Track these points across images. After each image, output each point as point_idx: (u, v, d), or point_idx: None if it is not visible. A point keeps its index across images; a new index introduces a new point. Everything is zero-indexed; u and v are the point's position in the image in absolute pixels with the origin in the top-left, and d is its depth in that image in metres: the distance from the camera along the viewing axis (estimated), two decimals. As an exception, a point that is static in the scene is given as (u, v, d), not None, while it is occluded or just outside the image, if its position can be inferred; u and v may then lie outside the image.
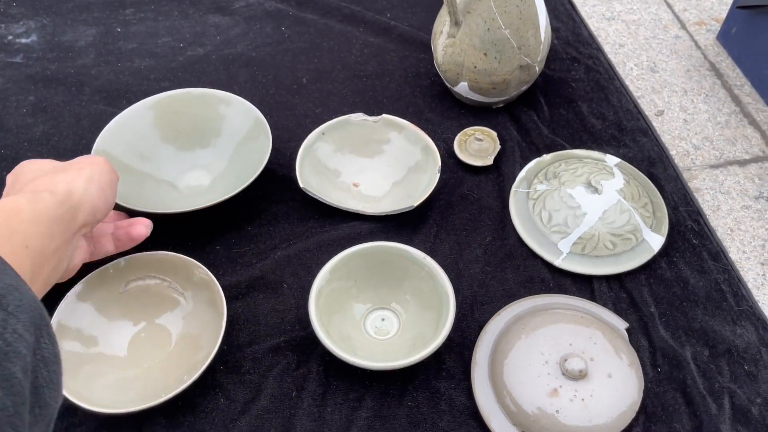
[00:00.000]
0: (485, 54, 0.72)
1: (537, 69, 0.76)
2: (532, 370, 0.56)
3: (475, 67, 0.73)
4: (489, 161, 0.74)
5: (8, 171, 0.67)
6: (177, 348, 0.58)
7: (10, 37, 0.88)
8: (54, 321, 0.56)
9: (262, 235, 0.68)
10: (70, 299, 0.57)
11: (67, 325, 0.56)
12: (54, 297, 0.57)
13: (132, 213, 0.63)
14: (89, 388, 0.53)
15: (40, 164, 0.53)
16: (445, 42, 0.75)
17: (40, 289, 0.45)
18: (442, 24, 0.76)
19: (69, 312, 0.57)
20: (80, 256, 0.54)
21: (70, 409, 0.53)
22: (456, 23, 0.72)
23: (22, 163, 0.54)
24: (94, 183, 0.51)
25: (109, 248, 0.59)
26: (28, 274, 0.42)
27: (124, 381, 0.56)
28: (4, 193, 0.53)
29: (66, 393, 0.51)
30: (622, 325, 0.61)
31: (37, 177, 0.51)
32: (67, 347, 0.56)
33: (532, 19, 0.72)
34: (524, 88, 0.78)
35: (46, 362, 0.33)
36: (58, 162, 0.54)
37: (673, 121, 0.80)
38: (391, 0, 0.96)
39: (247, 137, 0.71)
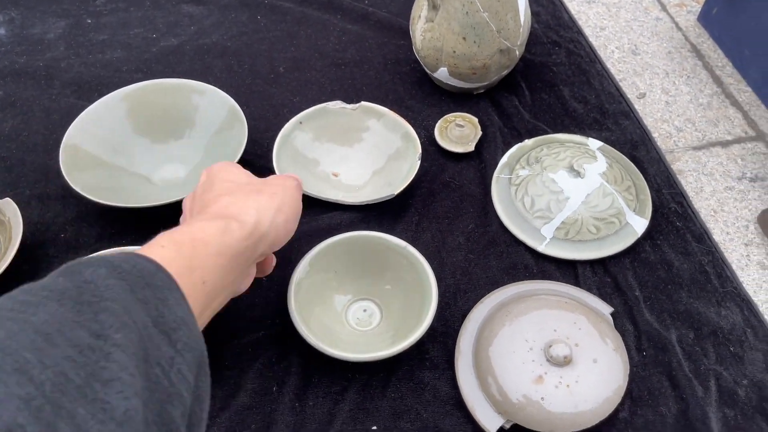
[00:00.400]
0: (464, 38, 0.71)
1: (517, 53, 0.75)
2: (516, 357, 0.55)
3: (455, 51, 0.72)
4: (470, 147, 0.73)
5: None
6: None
7: (-23, 31, 0.86)
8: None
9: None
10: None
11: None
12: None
13: (106, 208, 0.61)
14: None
15: (235, 174, 0.50)
16: (423, 27, 0.74)
17: (205, 321, 0.42)
18: (420, 8, 0.74)
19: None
20: (248, 282, 0.49)
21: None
22: (434, 7, 0.71)
23: (217, 166, 0.51)
24: (282, 214, 0.48)
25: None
26: (199, 308, 0.39)
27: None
28: (197, 193, 0.50)
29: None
30: (606, 309, 0.60)
31: (231, 192, 0.48)
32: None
33: (511, 2, 0.71)
34: (505, 72, 0.77)
35: (200, 401, 0.34)
36: (251, 175, 0.51)
37: (655, 103, 0.79)
38: (369, -14, 0.95)
39: (222, 128, 0.69)
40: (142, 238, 0.62)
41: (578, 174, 0.66)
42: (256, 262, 0.50)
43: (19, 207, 0.62)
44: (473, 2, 0.69)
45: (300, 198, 0.52)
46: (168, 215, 0.65)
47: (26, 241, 0.63)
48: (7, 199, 0.63)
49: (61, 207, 0.67)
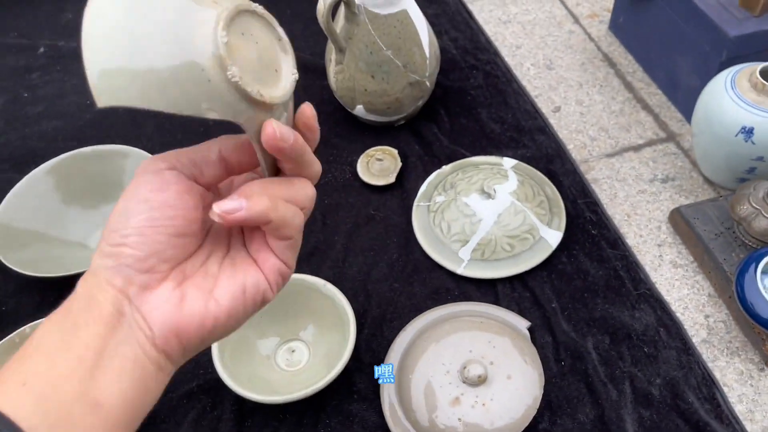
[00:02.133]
0: (372, 76, 0.74)
1: (428, 84, 0.78)
2: (435, 381, 0.58)
3: (366, 89, 0.75)
4: (391, 179, 0.75)
5: None
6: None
7: None
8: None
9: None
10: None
11: None
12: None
13: (45, 280, 0.64)
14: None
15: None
16: (335, 69, 0.77)
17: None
18: (330, 51, 0.77)
19: None
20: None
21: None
22: (340, 50, 0.74)
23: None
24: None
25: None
26: None
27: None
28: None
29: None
30: (523, 324, 0.63)
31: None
32: None
33: (412, 37, 0.74)
34: (420, 103, 0.80)
35: None
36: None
37: (570, 115, 0.82)
38: (293, 30, 0.98)
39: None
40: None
41: (489, 195, 0.69)
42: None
43: (-38, 285, 0.65)
44: (375, 42, 0.72)
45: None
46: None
47: (-31, 317, 0.66)
48: (-53, 281, 0.66)
49: (1, 281, 0.69)
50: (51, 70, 0.94)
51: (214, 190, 0.35)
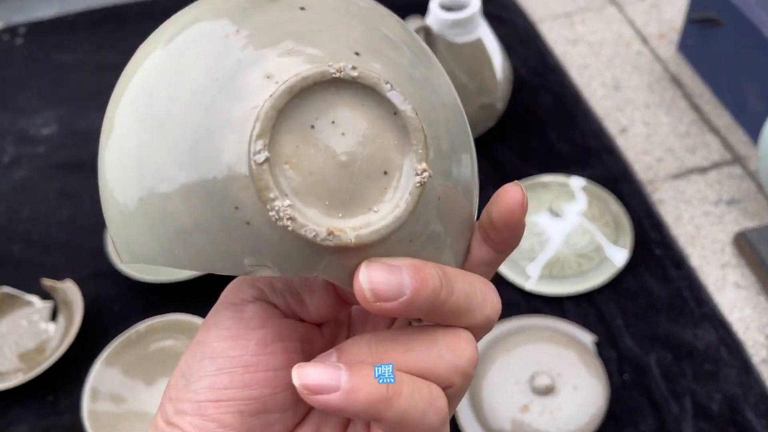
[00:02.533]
0: (448, 100, 0.79)
1: (499, 106, 0.82)
2: (505, 389, 0.63)
3: (441, 112, 0.80)
4: (463, 196, 0.80)
5: (47, 255, 0.77)
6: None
7: (33, 130, 0.99)
8: (87, 387, 0.65)
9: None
10: (99, 365, 0.66)
11: (99, 389, 0.65)
12: (85, 362, 0.66)
13: (148, 283, 0.72)
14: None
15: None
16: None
17: None
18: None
19: (99, 377, 0.66)
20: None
21: (107, 463, 0.62)
22: (418, 76, 0.80)
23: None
24: None
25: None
26: None
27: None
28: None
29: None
30: (589, 338, 0.67)
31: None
32: (101, 408, 0.65)
33: (486, 63, 0.78)
34: (491, 123, 0.85)
35: None
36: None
37: (636, 136, 0.85)
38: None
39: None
40: (180, 306, 0.72)
41: (557, 215, 0.73)
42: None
43: (79, 284, 0.74)
44: (451, 69, 0.77)
45: None
46: (205, 283, 0.75)
47: (87, 314, 0.74)
48: (69, 282, 0.74)
49: (112, 283, 0.78)
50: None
51: (329, 334, 0.25)
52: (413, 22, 0.75)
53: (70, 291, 0.73)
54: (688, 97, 0.88)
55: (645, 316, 0.69)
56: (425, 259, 0.21)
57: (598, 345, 0.67)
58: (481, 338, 0.23)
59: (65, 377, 0.69)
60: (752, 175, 0.79)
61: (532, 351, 0.65)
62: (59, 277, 0.75)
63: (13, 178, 0.92)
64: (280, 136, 0.19)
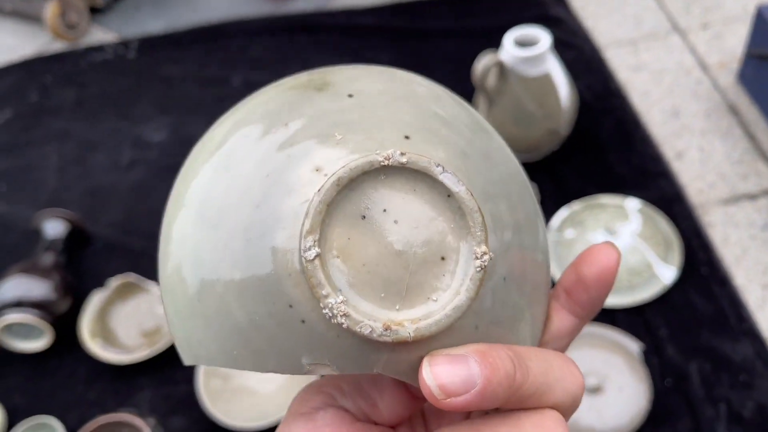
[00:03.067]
0: (516, 125, 0.88)
1: (563, 131, 0.91)
2: (558, 387, 0.72)
3: (509, 134, 0.89)
4: (527, 212, 0.89)
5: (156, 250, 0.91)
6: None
7: (147, 136, 1.13)
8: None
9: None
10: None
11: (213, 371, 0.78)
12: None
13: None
14: (231, 412, 0.74)
15: None
16: (482, 115, 0.92)
17: None
18: (478, 99, 0.92)
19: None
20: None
21: None
22: (490, 102, 0.89)
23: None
24: None
25: None
26: None
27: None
28: None
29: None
30: (636, 346, 0.75)
31: None
32: (212, 383, 0.77)
33: (553, 94, 0.87)
34: (555, 148, 0.93)
35: None
36: None
37: (691, 161, 0.92)
38: (439, 73, 1.13)
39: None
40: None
41: (612, 233, 0.82)
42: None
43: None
44: (521, 99, 0.86)
45: None
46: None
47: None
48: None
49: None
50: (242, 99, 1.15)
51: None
52: (487, 58, 0.84)
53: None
54: (743, 125, 0.95)
55: (688, 328, 0.77)
56: (497, 340, 0.21)
57: (645, 353, 0.75)
58: (569, 418, 0.22)
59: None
60: (800, 203, 0.85)
61: (584, 355, 0.74)
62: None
63: (130, 179, 1.07)
64: (330, 230, 0.19)
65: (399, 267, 0.19)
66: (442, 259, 0.20)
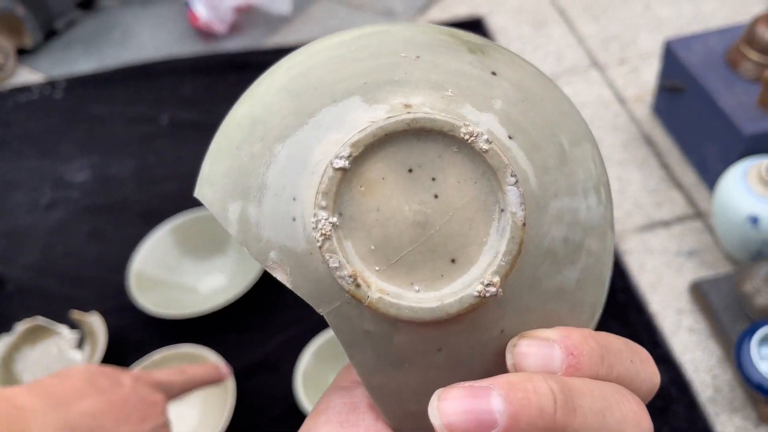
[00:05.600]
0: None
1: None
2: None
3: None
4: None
5: (76, 290, 0.87)
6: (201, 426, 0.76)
7: (69, 176, 1.10)
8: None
9: (266, 324, 0.85)
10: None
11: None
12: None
13: (165, 318, 0.81)
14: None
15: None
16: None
17: None
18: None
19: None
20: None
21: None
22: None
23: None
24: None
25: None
26: None
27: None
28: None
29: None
30: (553, 375, 0.75)
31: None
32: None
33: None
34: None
35: None
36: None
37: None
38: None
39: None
40: (195, 337, 0.81)
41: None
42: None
43: (103, 317, 0.84)
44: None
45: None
46: (212, 318, 0.84)
47: (110, 344, 0.84)
48: (94, 314, 0.84)
49: (133, 317, 0.87)
50: (172, 137, 1.14)
51: None
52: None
53: (95, 323, 0.83)
54: (658, 155, 0.97)
55: (605, 356, 0.76)
56: (528, 327, 0.19)
57: (561, 381, 0.75)
58: None
59: (89, 399, 0.79)
60: (711, 230, 0.87)
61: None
62: (86, 310, 0.85)
63: (50, 219, 1.04)
64: (371, 159, 0.19)
65: (412, 230, 0.19)
66: (453, 261, 0.19)
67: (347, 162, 0.18)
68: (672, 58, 0.94)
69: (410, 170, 0.19)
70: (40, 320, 0.84)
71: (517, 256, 0.19)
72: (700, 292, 0.79)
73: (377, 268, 0.19)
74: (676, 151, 0.97)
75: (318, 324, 0.83)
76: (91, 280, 0.94)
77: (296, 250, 0.19)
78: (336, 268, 0.18)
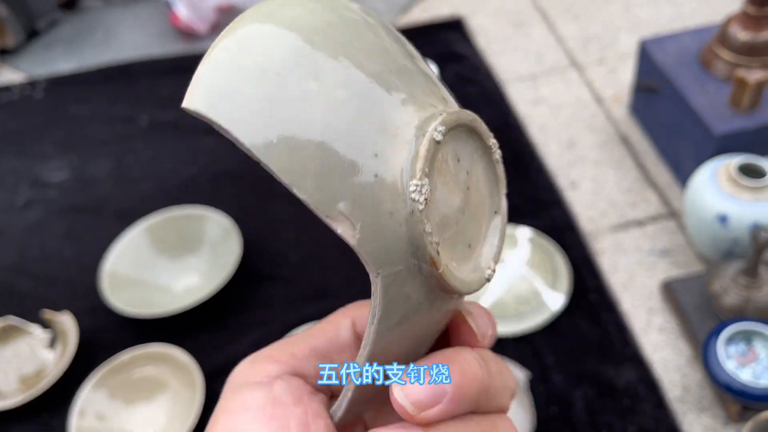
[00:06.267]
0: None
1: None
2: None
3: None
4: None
5: (50, 290, 0.87)
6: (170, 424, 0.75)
7: (46, 175, 1.10)
8: (76, 407, 0.74)
9: (238, 323, 0.85)
10: (87, 388, 0.75)
11: (86, 409, 0.74)
12: (78, 386, 0.75)
13: (139, 317, 0.81)
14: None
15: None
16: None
17: None
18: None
19: (87, 399, 0.75)
20: None
21: (89, 475, 0.71)
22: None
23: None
24: None
25: None
26: None
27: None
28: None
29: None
30: (522, 375, 0.74)
31: None
32: (86, 424, 0.73)
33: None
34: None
35: None
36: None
37: (584, 191, 0.94)
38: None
39: (222, 241, 0.89)
40: (168, 337, 0.81)
41: (500, 261, 0.82)
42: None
43: (75, 316, 0.83)
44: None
45: None
46: (184, 317, 0.84)
47: (81, 343, 0.83)
48: (66, 314, 0.84)
49: (105, 316, 0.87)
50: (151, 138, 1.14)
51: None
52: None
53: (67, 322, 0.83)
54: (634, 155, 0.97)
55: (575, 355, 0.77)
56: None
57: (531, 381, 0.75)
58: None
59: (59, 398, 0.78)
60: (684, 229, 0.87)
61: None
62: (60, 309, 0.85)
63: (26, 219, 1.03)
64: (444, 142, 0.20)
65: (458, 213, 0.21)
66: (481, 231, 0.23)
67: (442, 136, 0.19)
68: (647, 58, 0.94)
69: (458, 160, 0.21)
70: (12, 319, 0.84)
71: (500, 250, 0.23)
72: (671, 292, 0.79)
73: (437, 241, 0.20)
74: (651, 151, 0.97)
75: (289, 323, 0.83)
76: (66, 279, 0.94)
77: (377, 208, 0.18)
78: (429, 233, 0.19)
